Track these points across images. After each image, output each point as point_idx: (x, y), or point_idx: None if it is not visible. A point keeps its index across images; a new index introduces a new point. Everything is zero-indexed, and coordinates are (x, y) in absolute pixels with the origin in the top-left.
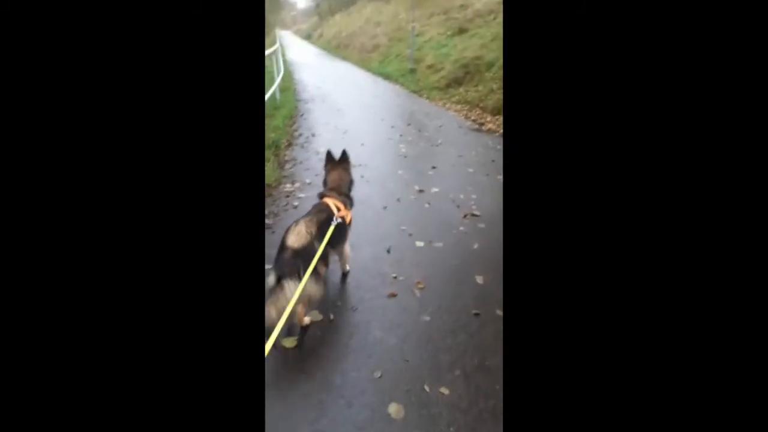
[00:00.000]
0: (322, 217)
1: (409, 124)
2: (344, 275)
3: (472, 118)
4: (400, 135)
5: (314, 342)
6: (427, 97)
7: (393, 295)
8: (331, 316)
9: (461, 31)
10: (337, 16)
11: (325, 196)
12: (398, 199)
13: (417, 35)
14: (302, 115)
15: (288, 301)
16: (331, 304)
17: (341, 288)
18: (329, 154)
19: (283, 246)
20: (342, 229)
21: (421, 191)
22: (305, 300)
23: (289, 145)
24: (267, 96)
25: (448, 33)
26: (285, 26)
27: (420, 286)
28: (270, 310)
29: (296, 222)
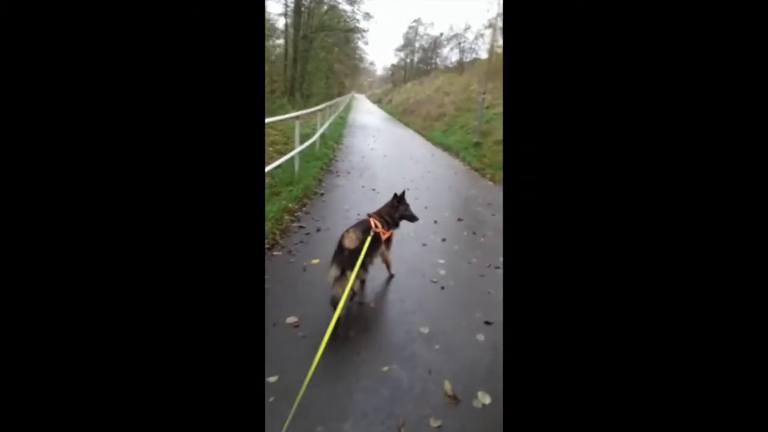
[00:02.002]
0: (364, 226)
1: (460, 220)
2: (391, 277)
3: None
4: (443, 240)
5: None
6: (491, 179)
7: None
8: None
9: None
10: (409, 84)
11: (371, 216)
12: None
13: (487, 107)
14: (322, 194)
15: (348, 283)
16: None
17: None
18: (395, 195)
19: (341, 247)
20: (378, 240)
21: (452, 398)
22: (359, 282)
23: (272, 245)
24: (275, 165)
25: None
26: (361, 90)
27: None
28: (338, 291)
29: (348, 230)
